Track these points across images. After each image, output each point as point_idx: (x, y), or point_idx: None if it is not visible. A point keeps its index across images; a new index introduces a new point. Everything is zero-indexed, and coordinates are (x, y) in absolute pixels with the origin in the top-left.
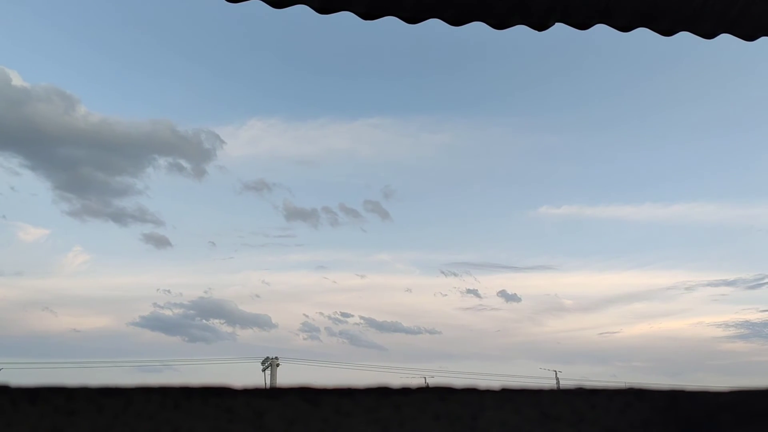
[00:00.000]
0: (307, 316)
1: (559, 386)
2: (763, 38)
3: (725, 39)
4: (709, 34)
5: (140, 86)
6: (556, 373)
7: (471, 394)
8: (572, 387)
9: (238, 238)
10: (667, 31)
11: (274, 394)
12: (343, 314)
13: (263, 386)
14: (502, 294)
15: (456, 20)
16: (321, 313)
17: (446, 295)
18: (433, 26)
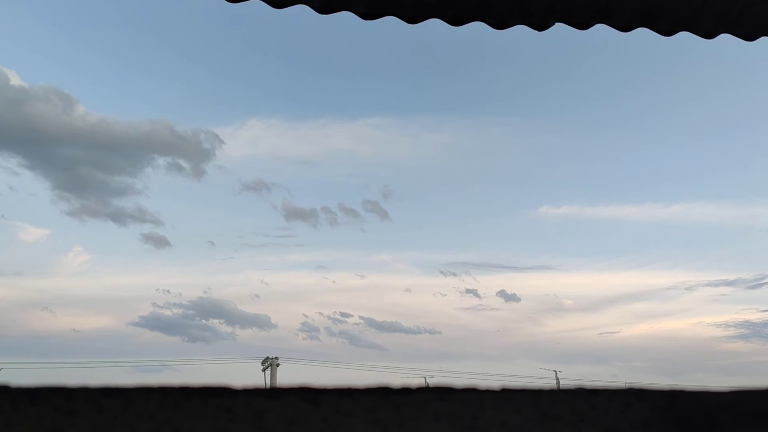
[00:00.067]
0: (306, 316)
1: (559, 386)
2: (763, 38)
3: (725, 39)
4: (709, 34)
5: (139, 86)
6: (556, 373)
7: (471, 394)
8: (572, 387)
9: (238, 238)
10: (667, 31)
11: (274, 394)
12: (343, 314)
13: (263, 386)
14: (502, 294)
15: (456, 20)
16: (320, 313)
17: (446, 295)
18: (433, 26)
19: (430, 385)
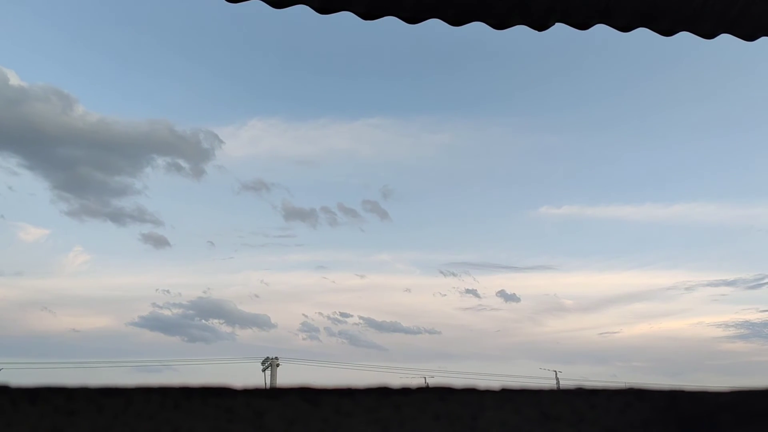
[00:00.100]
0: (306, 316)
1: (559, 386)
2: (763, 38)
3: (725, 39)
4: (709, 34)
5: (139, 86)
6: (556, 373)
7: (471, 394)
8: (572, 387)
9: (237, 238)
10: (667, 31)
11: (274, 394)
12: (343, 314)
13: (263, 386)
14: (501, 294)
15: (456, 20)
16: (320, 313)
17: (445, 295)
18: (433, 26)
19: (430, 385)
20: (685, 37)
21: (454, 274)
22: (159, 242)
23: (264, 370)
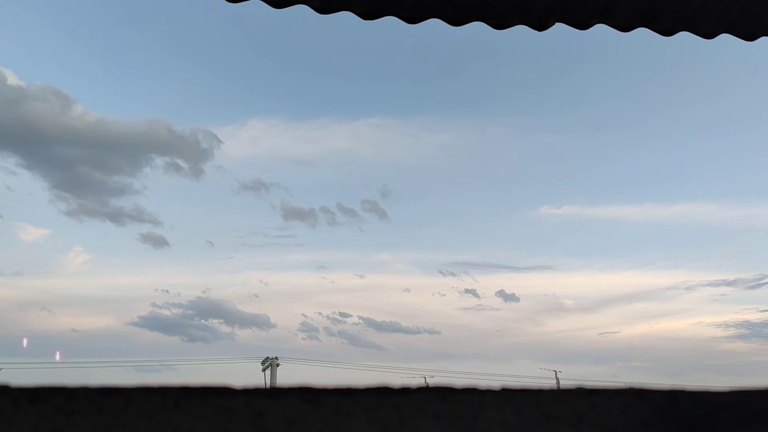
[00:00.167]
0: (305, 316)
1: (559, 386)
2: (763, 38)
3: (725, 39)
4: (709, 34)
5: (137, 86)
6: (556, 373)
7: (471, 394)
8: (572, 387)
9: (237, 238)
10: (667, 31)
11: (274, 394)
12: (342, 314)
13: (263, 386)
14: (501, 294)
15: (456, 20)
16: (320, 313)
17: (444, 295)
18: (433, 26)
19: (430, 385)
20: (685, 37)
21: (453, 274)
22: (158, 242)
23: (264, 370)
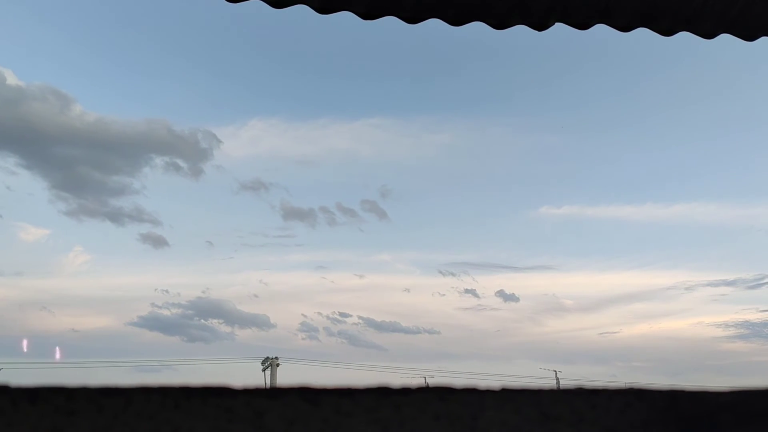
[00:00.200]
0: (305, 316)
1: (559, 386)
2: (763, 38)
3: (725, 39)
4: (709, 34)
5: (137, 86)
6: (556, 373)
7: (471, 394)
8: (572, 387)
9: (237, 238)
10: (667, 31)
11: (274, 394)
12: (342, 314)
13: (263, 386)
14: (500, 294)
15: (456, 20)
16: (319, 313)
17: (444, 295)
18: (433, 26)
19: (430, 385)
20: (685, 37)
21: (453, 274)
22: (158, 242)
23: (264, 370)
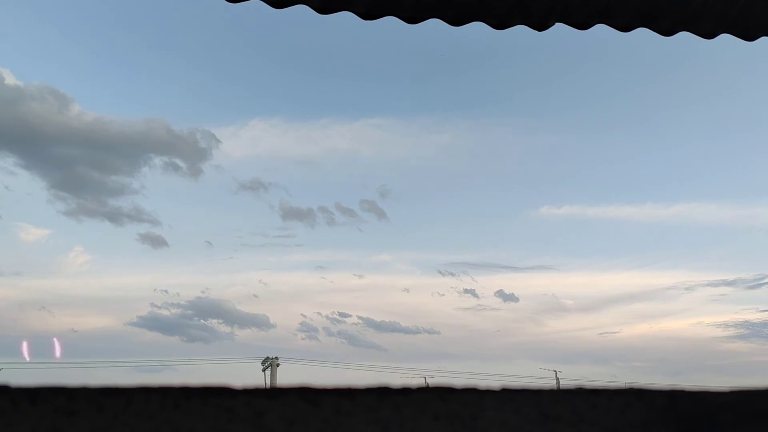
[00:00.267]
0: (305, 317)
1: (559, 386)
2: (763, 38)
3: (725, 39)
4: (709, 34)
5: (136, 86)
6: (556, 373)
7: (471, 394)
8: (572, 387)
9: (237, 238)
10: (667, 31)
11: (274, 394)
12: (341, 314)
13: (263, 386)
14: (500, 294)
15: (456, 20)
16: (319, 313)
17: (443, 295)
18: (433, 26)
19: (430, 385)
20: (685, 37)
21: (452, 274)
22: (157, 242)
23: (264, 370)
